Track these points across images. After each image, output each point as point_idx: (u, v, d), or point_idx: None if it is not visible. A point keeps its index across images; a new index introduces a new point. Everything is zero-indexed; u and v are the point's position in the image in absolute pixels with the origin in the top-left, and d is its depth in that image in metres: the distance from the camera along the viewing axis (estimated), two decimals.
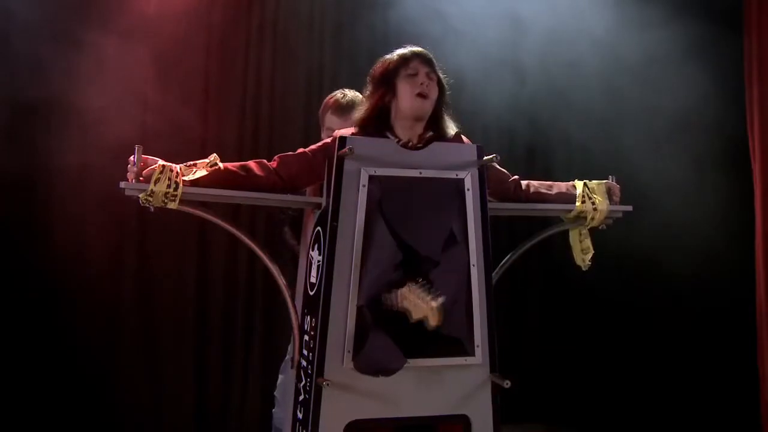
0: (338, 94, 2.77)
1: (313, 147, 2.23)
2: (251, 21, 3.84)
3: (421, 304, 1.93)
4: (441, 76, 2.25)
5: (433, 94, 2.20)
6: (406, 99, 2.17)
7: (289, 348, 2.79)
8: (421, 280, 1.96)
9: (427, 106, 2.19)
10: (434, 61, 2.24)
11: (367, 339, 1.99)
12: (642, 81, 4.08)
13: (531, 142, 4.44)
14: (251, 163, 2.17)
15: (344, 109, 2.69)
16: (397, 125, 2.20)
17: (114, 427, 3.49)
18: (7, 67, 3.35)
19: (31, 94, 3.37)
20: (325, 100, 2.81)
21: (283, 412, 2.70)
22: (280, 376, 2.80)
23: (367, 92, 2.26)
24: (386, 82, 2.19)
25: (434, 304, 1.90)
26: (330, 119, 2.72)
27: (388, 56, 2.25)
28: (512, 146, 4.38)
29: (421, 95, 2.16)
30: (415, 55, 2.21)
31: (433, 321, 1.91)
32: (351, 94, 2.76)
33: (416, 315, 1.94)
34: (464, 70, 3.47)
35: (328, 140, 2.23)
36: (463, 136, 2.30)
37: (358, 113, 2.25)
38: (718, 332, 3.80)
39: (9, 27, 3.31)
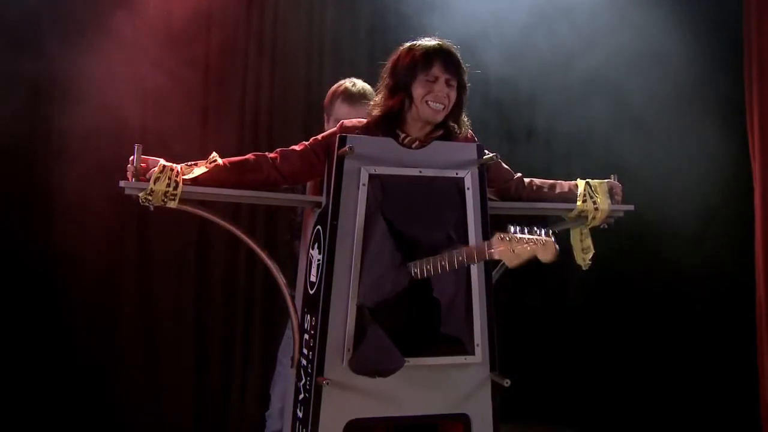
0: (347, 82, 2.68)
1: (313, 141, 2.22)
2: (249, 31, 3.80)
3: (525, 244, 1.81)
4: (464, 76, 2.18)
5: (450, 102, 2.16)
6: (419, 105, 2.13)
7: (279, 356, 2.78)
8: (511, 227, 1.85)
9: (440, 117, 2.16)
10: (458, 61, 2.17)
11: (364, 339, 1.99)
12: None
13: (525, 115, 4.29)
14: (251, 157, 2.17)
15: (355, 97, 2.61)
16: (409, 124, 2.19)
17: (114, 427, 3.49)
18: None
19: (31, 90, 3.37)
20: (333, 89, 2.71)
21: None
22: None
23: (384, 83, 2.21)
24: (404, 86, 2.14)
25: (544, 238, 1.76)
26: (341, 108, 2.62)
27: (413, 45, 2.18)
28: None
29: (434, 109, 2.13)
30: (437, 56, 2.13)
31: (548, 255, 1.77)
32: (360, 84, 2.67)
33: (515, 261, 1.84)
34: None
35: (328, 133, 2.22)
36: (470, 131, 2.29)
37: (374, 110, 2.21)
38: (717, 331, 3.80)
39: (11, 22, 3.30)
